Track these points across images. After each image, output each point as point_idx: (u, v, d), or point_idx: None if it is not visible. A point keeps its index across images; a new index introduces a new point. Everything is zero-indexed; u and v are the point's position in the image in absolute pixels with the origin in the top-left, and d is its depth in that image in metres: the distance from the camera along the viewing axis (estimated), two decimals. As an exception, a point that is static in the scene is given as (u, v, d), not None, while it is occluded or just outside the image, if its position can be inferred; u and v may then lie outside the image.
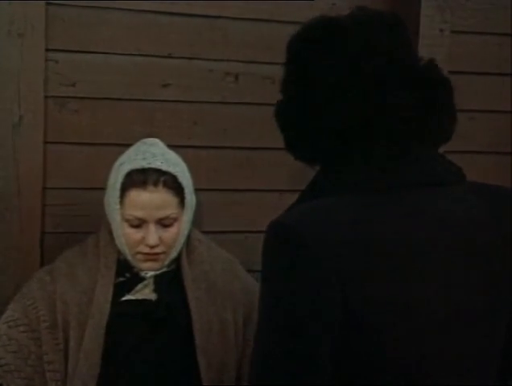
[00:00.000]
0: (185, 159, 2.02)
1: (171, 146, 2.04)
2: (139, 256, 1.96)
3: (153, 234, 1.92)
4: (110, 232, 2.00)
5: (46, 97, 2.24)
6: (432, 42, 2.47)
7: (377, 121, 1.32)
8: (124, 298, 1.96)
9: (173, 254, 1.99)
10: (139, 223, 1.93)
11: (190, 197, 1.98)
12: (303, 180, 2.47)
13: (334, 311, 1.22)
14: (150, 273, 1.98)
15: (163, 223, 1.94)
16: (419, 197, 1.31)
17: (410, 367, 1.27)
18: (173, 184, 1.93)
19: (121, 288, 1.97)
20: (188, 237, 2.04)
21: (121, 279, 1.98)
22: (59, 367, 1.91)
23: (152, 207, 1.91)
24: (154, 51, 2.34)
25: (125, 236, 1.94)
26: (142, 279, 1.98)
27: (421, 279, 1.26)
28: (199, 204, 2.07)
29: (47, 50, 2.22)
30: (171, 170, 1.93)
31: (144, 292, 1.97)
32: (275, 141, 2.50)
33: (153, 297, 1.97)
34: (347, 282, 1.22)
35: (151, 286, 1.98)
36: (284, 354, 1.24)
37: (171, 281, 2.00)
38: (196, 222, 2.11)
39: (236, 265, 2.14)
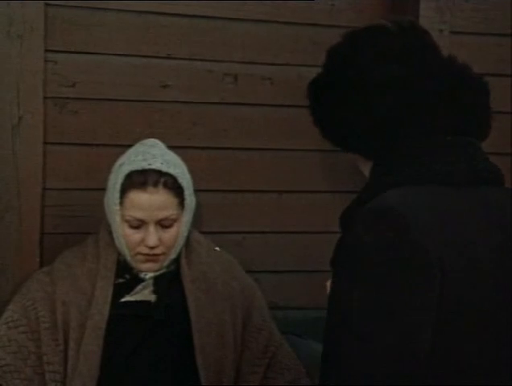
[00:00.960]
0: (184, 160, 2.02)
1: (170, 147, 2.04)
2: (139, 257, 1.96)
3: (152, 235, 1.92)
4: (110, 233, 1.99)
5: (45, 98, 2.24)
6: (432, 42, 2.46)
7: (431, 118, 1.37)
8: (123, 299, 1.96)
9: (172, 255, 1.99)
10: (139, 224, 1.93)
11: (190, 198, 1.98)
12: (302, 181, 2.48)
13: (434, 298, 1.22)
14: (150, 275, 1.98)
15: (163, 224, 1.94)
16: (482, 193, 1.36)
17: (473, 361, 1.28)
18: (173, 185, 1.93)
19: (121, 289, 1.97)
20: (188, 238, 2.04)
21: (121, 280, 1.98)
22: (58, 367, 1.91)
23: (152, 208, 1.91)
24: (153, 51, 2.34)
25: (124, 236, 1.94)
26: (142, 280, 1.98)
27: (495, 276, 1.30)
28: (198, 205, 2.07)
29: (46, 51, 2.22)
30: (171, 171, 1.93)
31: (143, 293, 1.97)
32: (275, 141, 2.51)
33: (152, 298, 1.97)
34: (444, 266, 1.23)
35: (151, 287, 1.98)
36: (386, 345, 1.21)
37: (170, 282, 2.00)
38: (196, 222, 2.10)
39: (235, 266, 2.14)
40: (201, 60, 2.38)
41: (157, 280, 1.98)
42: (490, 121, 1.47)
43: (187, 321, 1.95)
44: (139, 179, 1.91)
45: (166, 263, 1.99)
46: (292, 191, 2.49)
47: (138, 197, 1.91)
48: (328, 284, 1.39)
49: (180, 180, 1.95)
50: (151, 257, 1.95)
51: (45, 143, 2.25)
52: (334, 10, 2.47)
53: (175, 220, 1.95)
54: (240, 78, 2.41)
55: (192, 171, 2.02)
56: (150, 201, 1.91)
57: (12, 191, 2.20)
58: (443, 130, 1.37)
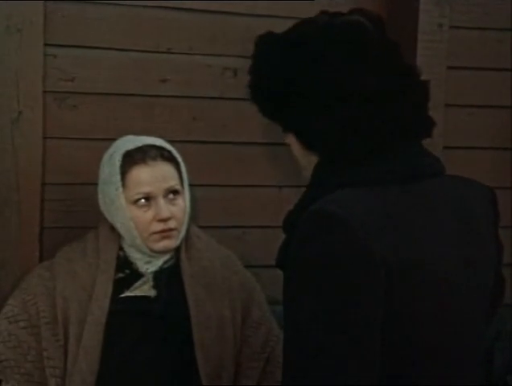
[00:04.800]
0: (184, 154, 2.02)
1: (170, 141, 2.04)
2: (154, 237, 1.94)
3: (164, 207, 1.92)
4: (110, 228, 1.99)
5: (45, 92, 2.24)
6: (431, 37, 2.47)
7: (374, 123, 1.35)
8: (123, 295, 1.96)
9: (182, 232, 1.98)
10: (147, 202, 1.92)
11: (185, 175, 2.00)
12: (301, 176, 2.48)
13: (381, 298, 1.22)
14: (150, 269, 1.98)
15: (169, 196, 1.94)
16: (426, 186, 1.35)
17: (435, 354, 1.29)
18: (170, 157, 1.96)
19: (121, 284, 1.97)
20: (187, 233, 2.03)
21: (121, 275, 1.98)
22: (58, 363, 1.91)
23: (156, 180, 1.92)
24: (152, 46, 2.34)
25: (134, 219, 1.93)
26: (142, 275, 1.98)
27: (446, 267, 1.30)
28: (198, 199, 2.07)
29: (45, 45, 2.22)
30: (165, 145, 1.97)
31: (143, 288, 1.97)
32: (274, 136, 2.50)
33: (152, 293, 1.97)
34: (389, 267, 1.22)
35: (150, 283, 1.98)
36: (336, 348, 1.20)
37: (170, 277, 2.00)
38: (195, 217, 2.10)
39: (234, 261, 2.14)
40: (201, 55, 2.38)
41: (157, 275, 1.98)
42: (432, 121, 1.43)
43: (186, 316, 1.95)
44: (137, 156, 1.92)
45: (178, 241, 1.98)
46: (292, 186, 2.49)
47: (140, 172, 1.92)
48: None
49: (175, 154, 1.97)
50: (166, 233, 1.94)
51: (44, 138, 2.25)
52: (334, 4, 2.47)
53: (179, 192, 1.96)
54: (239, 72, 2.40)
55: (191, 166, 2.03)
56: (153, 173, 1.92)
57: (12, 186, 2.20)
58: (390, 131, 1.35)
